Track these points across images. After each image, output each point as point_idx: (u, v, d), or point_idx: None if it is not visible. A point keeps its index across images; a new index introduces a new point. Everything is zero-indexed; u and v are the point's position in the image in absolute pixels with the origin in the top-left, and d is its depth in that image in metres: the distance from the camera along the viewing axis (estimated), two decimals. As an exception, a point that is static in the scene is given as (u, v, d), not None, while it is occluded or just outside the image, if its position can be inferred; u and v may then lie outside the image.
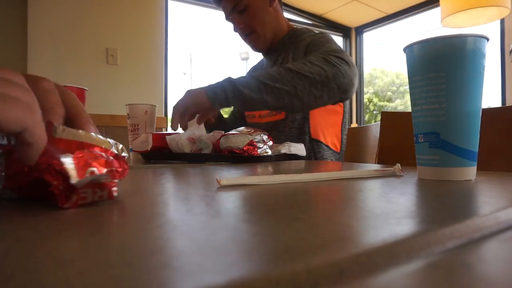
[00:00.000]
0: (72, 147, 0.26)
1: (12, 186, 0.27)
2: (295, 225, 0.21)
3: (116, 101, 2.27)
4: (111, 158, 0.26)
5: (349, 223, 0.21)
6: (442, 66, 0.40)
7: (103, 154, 0.26)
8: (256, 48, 1.15)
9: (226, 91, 0.82)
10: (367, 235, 0.19)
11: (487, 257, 0.17)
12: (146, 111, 1.04)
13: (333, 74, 0.83)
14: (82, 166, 0.24)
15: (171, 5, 2.74)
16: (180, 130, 0.89)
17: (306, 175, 0.40)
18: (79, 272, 0.13)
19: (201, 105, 0.85)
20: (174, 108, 0.89)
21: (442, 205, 0.26)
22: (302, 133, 1.09)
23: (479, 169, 0.42)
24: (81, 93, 0.82)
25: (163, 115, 2.57)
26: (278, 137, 1.09)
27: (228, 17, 1.11)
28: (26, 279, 0.13)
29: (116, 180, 0.26)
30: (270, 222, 0.22)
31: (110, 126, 2.14)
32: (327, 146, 1.12)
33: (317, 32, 1.10)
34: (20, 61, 2.08)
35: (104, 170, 0.25)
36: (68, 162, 0.23)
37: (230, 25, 1.15)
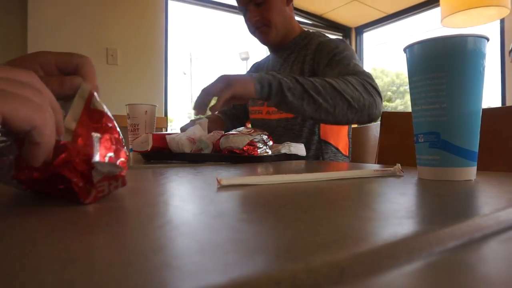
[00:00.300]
0: (100, 119, 0.27)
1: (24, 178, 0.26)
2: (295, 224, 0.21)
3: (116, 101, 2.27)
4: (123, 147, 0.28)
5: (350, 223, 0.21)
6: (442, 66, 0.40)
7: (118, 138, 0.27)
8: (265, 41, 1.15)
9: (272, 88, 0.82)
10: (368, 235, 0.19)
11: (488, 257, 0.17)
12: (146, 111, 1.04)
13: (369, 104, 0.87)
14: (105, 149, 0.25)
15: (171, 5, 2.74)
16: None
17: (306, 175, 0.40)
18: (80, 271, 0.13)
19: (247, 94, 0.82)
20: (208, 90, 0.81)
21: (443, 205, 0.26)
22: (311, 133, 1.10)
23: (479, 169, 0.42)
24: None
25: (163, 115, 2.57)
26: (286, 135, 1.09)
27: (242, 7, 1.10)
28: (27, 279, 0.13)
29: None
30: (271, 222, 0.22)
31: (110, 126, 2.12)
32: (336, 148, 1.12)
33: (331, 37, 1.11)
34: (20, 61, 2.09)
35: (119, 161, 0.26)
36: (96, 139, 0.24)
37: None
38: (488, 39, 0.40)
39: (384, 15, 3.54)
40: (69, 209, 0.24)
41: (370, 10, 3.47)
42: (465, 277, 0.14)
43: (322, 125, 1.09)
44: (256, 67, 1.34)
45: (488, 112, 0.71)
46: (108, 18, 2.37)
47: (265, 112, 1.17)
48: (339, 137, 1.13)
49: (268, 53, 1.27)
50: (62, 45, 2.19)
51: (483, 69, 0.40)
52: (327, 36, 1.12)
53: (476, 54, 0.39)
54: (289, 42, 1.15)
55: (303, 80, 0.84)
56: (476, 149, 0.40)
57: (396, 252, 0.16)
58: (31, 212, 0.23)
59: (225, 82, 0.80)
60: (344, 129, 1.15)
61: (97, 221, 0.22)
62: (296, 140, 1.04)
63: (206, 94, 0.80)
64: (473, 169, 0.41)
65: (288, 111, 0.88)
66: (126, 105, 1.04)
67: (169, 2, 2.71)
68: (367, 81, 0.89)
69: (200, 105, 0.80)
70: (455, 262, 0.16)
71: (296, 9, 3.37)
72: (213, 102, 0.82)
